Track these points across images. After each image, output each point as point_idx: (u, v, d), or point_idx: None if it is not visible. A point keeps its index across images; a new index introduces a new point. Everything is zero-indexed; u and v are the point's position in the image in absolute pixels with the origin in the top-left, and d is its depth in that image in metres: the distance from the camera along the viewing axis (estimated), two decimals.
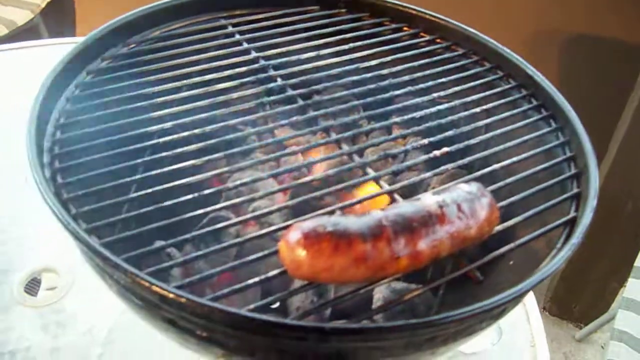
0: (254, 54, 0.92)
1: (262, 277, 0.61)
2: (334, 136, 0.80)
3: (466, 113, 0.86)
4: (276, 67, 0.90)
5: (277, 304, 0.84)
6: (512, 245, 0.69)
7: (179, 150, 0.74)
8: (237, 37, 0.96)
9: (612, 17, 1.92)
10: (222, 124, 0.79)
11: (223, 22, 0.99)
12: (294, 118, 0.82)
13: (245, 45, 0.94)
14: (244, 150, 0.78)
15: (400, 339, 0.59)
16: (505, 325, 0.98)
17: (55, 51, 0.85)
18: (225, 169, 0.74)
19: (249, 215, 0.69)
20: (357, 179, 0.74)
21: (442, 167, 0.77)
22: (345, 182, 0.74)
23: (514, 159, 0.79)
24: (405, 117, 0.84)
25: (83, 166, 0.72)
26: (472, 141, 0.81)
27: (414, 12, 1.03)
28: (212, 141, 0.76)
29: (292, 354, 0.61)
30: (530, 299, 1.03)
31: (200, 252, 0.63)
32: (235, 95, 0.85)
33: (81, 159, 0.72)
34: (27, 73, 0.82)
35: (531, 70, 0.92)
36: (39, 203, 0.64)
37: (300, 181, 0.73)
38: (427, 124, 0.83)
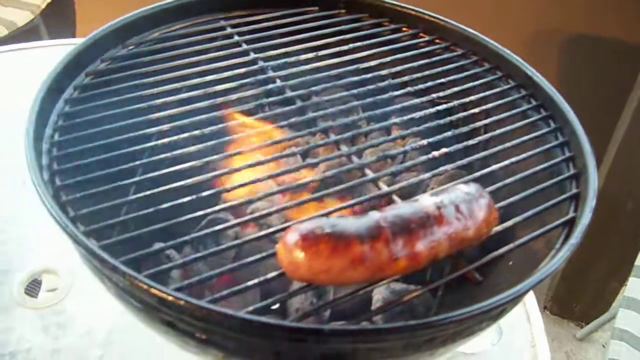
0: (253, 55, 0.92)
1: (261, 279, 0.61)
2: (332, 137, 0.80)
3: (465, 113, 0.86)
4: (275, 69, 0.90)
5: (277, 306, 0.85)
6: (511, 245, 0.69)
7: (178, 152, 0.74)
8: (236, 38, 0.96)
9: (612, 17, 1.92)
10: (221, 125, 0.79)
11: (222, 23, 0.99)
12: (293, 119, 0.82)
13: (245, 46, 0.94)
14: (242, 151, 0.78)
15: (399, 340, 0.59)
16: (506, 326, 0.98)
17: (55, 52, 0.85)
18: (224, 170, 0.74)
19: (247, 217, 0.69)
20: (356, 180, 0.74)
21: (441, 168, 0.77)
22: (344, 183, 0.74)
23: (513, 159, 0.79)
24: (405, 117, 0.84)
25: (82, 168, 0.72)
26: (471, 142, 0.81)
27: (413, 12, 1.03)
28: (211, 142, 0.76)
29: (292, 356, 0.61)
30: (530, 299, 1.03)
31: (198, 254, 0.63)
32: (234, 96, 0.85)
33: (80, 161, 0.72)
34: (27, 74, 0.82)
35: (530, 70, 0.92)
36: (39, 204, 0.64)
37: (298, 182, 0.73)
38: (426, 125, 0.83)
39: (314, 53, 0.93)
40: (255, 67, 0.90)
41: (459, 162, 0.78)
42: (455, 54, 0.97)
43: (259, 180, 0.72)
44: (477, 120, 0.85)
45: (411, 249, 0.58)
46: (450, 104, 0.87)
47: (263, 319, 0.54)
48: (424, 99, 0.87)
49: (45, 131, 0.76)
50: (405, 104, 0.86)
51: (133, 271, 0.58)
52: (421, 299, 0.80)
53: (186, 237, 0.65)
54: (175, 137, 0.76)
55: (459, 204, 0.62)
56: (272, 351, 0.60)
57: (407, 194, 0.72)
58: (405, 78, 0.90)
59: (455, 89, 0.90)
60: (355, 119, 0.85)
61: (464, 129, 0.83)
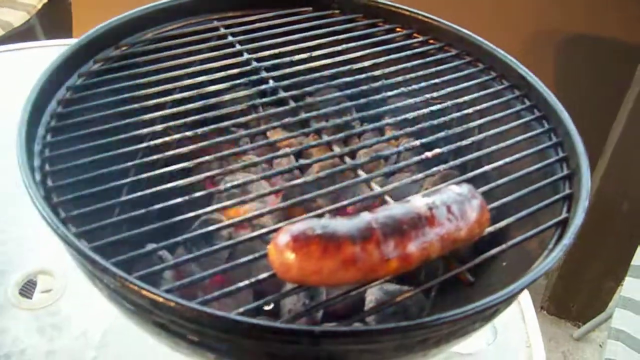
0: (246, 56, 0.92)
1: (252, 279, 0.61)
2: (325, 138, 0.80)
3: (459, 114, 0.86)
4: (268, 69, 0.90)
5: (270, 307, 0.84)
6: (503, 246, 0.69)
7: (171, 152, 0.74)
8: (230, 39, 0.96)
9: (612, 17, 1.92)
10: (214, 126, 0.79)
11: (216, 24, 0.99)
12: (286, 120, 0.82)
13: (238, 47, 0.94)
14: (236, 152, 0.78)
15: (391, 342, 0.59)
16: (501, 325, 0.98)
17: (50, 52, 0.85)
18: (217, 171, 0.74)
19: (240, 218, 0.68)
20: (349, 181, 0.74)
21: (434, 169, 0.77)
22: (337, 184, 0.74)
23: (507, 159, 0.79)
24: (398, 118, 0.84)
25: (74, 169, 0.71)
26: (465, 142, 0.81)
27: (407, 13, 1.03)
28: (204, 143, 0.76)
29: (283, 357, 0.61)
30: (525, 299, 1.03)
31: (190, 255, 0.63)
32: (227, 97, 0.84)
33: (72, 162, 0.72)
34: (23, 74, 0.82)
35: (524, 70, 0.92)
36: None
37: (291, 183, 0.73)
38: (419, 125, 0.83)
39: (308, 53, 0.93)
40: (248, 67, 0.90)
41: (452, 163, 0.78)
42: (449, 54, 0.97)
43: (252, 181, 0.72)
44: (471, 120, 0.85)
45: (402, 250, 0.58)
46: (444, 105, 0.87)
47: (253, 320, 0.54)
48: (418, 99, 0.87)
49: (37, 132, 0.76)
50: (398, 104, 0.86)
51: (124, 273, 0.57)
52: (414, 300, 0.80)
53: (178, 238, 0.65)
54: (168, 138, 0.76)
55: (451, 205, 0.62)
56: (264, 353, 0.60)
57: (400, 194, 0.72)
58: (399, 78, 0.90)
59: (449, 89, 0.89)
60: (348, 120, 0.85)
61: (458, 130, 0.83)
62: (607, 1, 1.92)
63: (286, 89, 0.87)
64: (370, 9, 1.04)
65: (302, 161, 0.78)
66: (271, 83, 0.88)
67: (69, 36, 2.57)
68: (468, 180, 0.72)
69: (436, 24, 1.01)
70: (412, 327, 0.57)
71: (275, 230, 0.65)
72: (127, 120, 0.78)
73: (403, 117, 0.84)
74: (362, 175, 0.75)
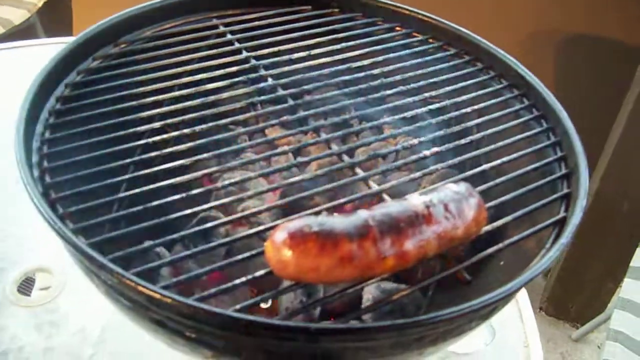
0: (245, 54, 0.92)
1: (249, 277, 0.60)
2: (324, 136, 0.80)
3: (457, 113, 0.86)
4: (267, 67, 0.90)
5: (268, 305, 0.85)
6: (500, 245, 0.69)
7: (169, 150, 0.74)
8: (229, 37, 0.96)
9: (612, 17, 1.92)
10: (212, 123, 0.79)
11: (215, 22, 0.99)
12: (285, 118, 0.82)
13: (237, 45, 0.94)
14: (234, 149, 0.78)
15: (387, 339, 0.59)
16: (499, 326, 0.98)
17: (50, 50, 0.85)
18: (215, 168, 0.74)
19: (237, 215, 0.68)
20: (347, 179, 0.74)
21: (432, 167, 0.77)
22: (335, 182, 0.74)
23: (505, 158, 0.79)
24: (396, 117, 0.84)
25: (72, 166, 0.71)
26: (463, 141, 0.81)
27: (406, 12, 1.03)
28: (203, 141, 0.76)
29: (280, 355, 0.61)
30: (523, 299, 1.03)
31: (187, 252, 0.63)
32: (225, 95, 0.85)
33: (70, 158, 0.72)
34: (23, 72, 0.82)
35: (523, 70, 0.92)
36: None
37: (289, 181, 0.73)
38: (417, 124, 0.83)
39: (307, 52, 0.93)
40: (247, 65, 0.90)
41: (451, 162, 0.78)
42: (448, 53, 0.97)
43: (250, 178, 0.72)
44: (469, 119, 0.85)
45: (399, 248, 0.58)
46: (443, 103, 0.87)
47: (250, 317, 0.54)
48: (416, 98, 0.87)
49: (36, 129, 0.76)
50: (397, 103, 0.86)
51: (121, 269, 0.57)
52: (412, 298, 0.80)
53: (175, 235, 0.65)
54: (166, 135, 0.76)
55: (448, 203, 0.62)
56: (260, 350, 0.60)
57: (398, 193, 0.72)
58: (398, 77, 0.90)
59: (448, 88, 0.90)
60: (347, 118, 0.85)
61: (456, 129, 0.83)
62: (607, 1, 1.92)
63: (285, 87, 0.87)
64: (370, 8, 1.05)
65: (300, 159, 0.78)
66: (270, 81, 0.88)
67: (70, 34, 2.57)
68: (466, 179, 0.72)
69: (435, 23, 1.01)
70: (408, 325, 0.57)
71: (272, 228, 0.64)
72: (126, 118, 0.78)
73: (401, 115, 0.84)
74: (360, 173, 0.75)
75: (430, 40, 1.00)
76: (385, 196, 0.72)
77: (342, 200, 0.71)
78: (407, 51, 0.97)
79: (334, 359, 0.61)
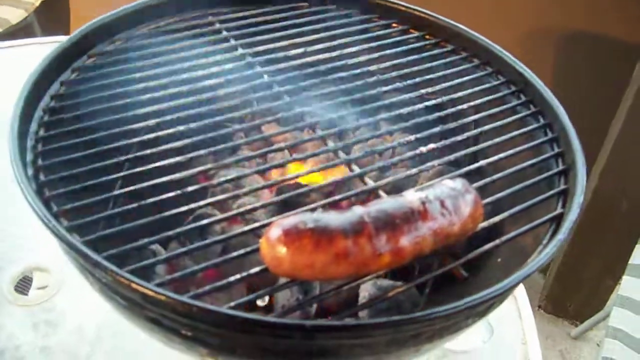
0: (241, 51, 0.92)
1: (244, 274, 0.60)
2: (320, 133, 0.79)
3: (454, 109, 0.85)
4: (263, 64, 0.90)
5: (265, 303, 0.84)
6: (497, 241, 0.68)
7: (165, 147, 0.74)
8: (225, 33, 0.95)
9: (612, 15, 1.92)
10: (208, 120, 0.79)
11: (210, 19, 0.98)
12: (281, 114, 0.82)
13: (233, 42, 0.94)
14: (230, 146, 0.77)
15: (383, 336, 0.59)
16: (497, 323, 0.98)
17: (47, 49, 0.85)
18: (211, 165, 0.74)
19: (232, 212, 0.68)
20: (343, 176, 0.74)
21: (429, 164, 0.77)
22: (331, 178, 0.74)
23: (502, 155, 0.78)
24: (393, 113, 0.84)
25: (67, 164, 0.71)
26: (460, 137, 0.80)
27: (403, 8, 1.02)
28: (198, 137, 0.76)
29: (275, 352, 0.60)
30: (521, 296, 1.03)
31: (183, 249, 0.63)
32: (221, 91, 0.84)
33: (65, 156, 0.72)
34: (19, 71, 0.82)
35: (520, 66, 0.92)
36: None
37: (285, 177, 0.73)
38: (414, 121, 0.83)
39: (303, 48, 0.93)
40: (243, 62, 0.90)
41: (447, 158, 0.78)
42: (445, 50, 0.97)
43: (245, 175, 0.72)
44: (467, 116, 0.85)
45: (395, 244, 0.57)
46: (440, 100, 0.86)
47: (245, 314, 0.54)
48: (413, 94, 0.87)
49: (30, 127, 0.75)
50: (393, 99, 0.86)
51: (115, 267, 0.57)
52: (408, 295, 0.79)
53: (170, 232, 0.64)
54: (161, 133, 0.76)
55: (444, 200, 0.61)
56: (256, 347, 0.60)
57: (394, 189, 0.72)
58: (394, 74, 0.90)
59: (445, 84, 0.89)
60: (343, 115, 0.84)
61: (453, 125, 0.83)
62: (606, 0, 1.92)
63: (281, 83, 0.87)
64: (366, 5, 1.04)
65: (297, 156, 0.78)
66: (266, 78, 0.87)
67: (67, 34, 2.57)
68: (463, 176, 0.72)
69: (432, 19, 1.00)
70: (404, 322, 0.57)
71: (268, 225, 0.64)
72: (121, 115, 0.78)
73: (398, 112, 0.84)
74: (357, 170, 0.75)
75: (427, 37, 1.00)
76: (381, 193, 0.72)
77: (337, 197, 0.71)
78: (404, 48, 0.96)
79: (329, 356, 0.61)
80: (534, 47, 2.02)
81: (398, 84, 0.88)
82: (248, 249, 0.63)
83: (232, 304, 0.56)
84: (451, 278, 0.67)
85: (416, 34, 1.00)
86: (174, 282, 0.60)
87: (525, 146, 0.81)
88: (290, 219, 0.56)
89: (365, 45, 0.96)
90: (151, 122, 0.77)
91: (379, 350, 0.60)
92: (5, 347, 0.88)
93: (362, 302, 0.78)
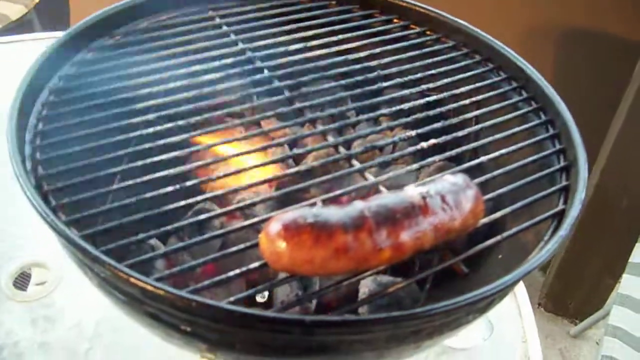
0: (241, 45, 0.91)
1: (243, 269, 0.60)
2: (320, 128, 0.79)
3: (455, 105, 0.85)
4: (263, 59, 0.89)
5: (264, 299, 0.84)
6: (498, 237, 0.68)
7: (164, 141, 0.74)
8: (225, 28, 0.95)
9: (612, 13, 1.91)
10: (207, 115, 0.78)
11: (211, 13, 0.98)
12: (281, 109, 0.82)
13: (233, 37, 0.93)
14: (229, 141, 0.77)
15: (383, 332, 0.58)
16: (497, 321, 0.97)
17: (46, 45, 0.84)
18: (210, 160, 0.73)
19: (231, 207, 0.68)
20: (343, 171, 0.73)
21: (430, 159, 0.76)
22: (331, 173, 0.73)
23: (503, 151, 0.78)
24: (393, 109, 0.83)
25: (65, 158, 0.71)
26: (461, 133, 0.80)
27: (404, 4, 1.02)
28: (198, 132, 0.75)
29: (274, 348, 0.60)
30: (521, 294, 1.03)
31: (181, 244, 0.63)
32: (221, 86, 0.84)
33: (64, 150, 0.71)
34: (18, 67, 0.81)
35: (522, 62, 0.91)
36: None
37: (285, 172, 0.72)
38: (415, 116, 0.82)
39: (303, 44, 0.92)
40: (243, 57, 0.89)
41: (448, 154, 0.77)
42: (446, 45, 0.97)
43: (244, 169, 0.71)
44: (467, 112, 0.85)
45: (395, 239, 0.57)
46: (440, 96, 0.86)
47: (244, 309, 0.53)
48: (414, 90, 0.87)
49: (29, 121, 0.75)
50: (394, 95, 0.85)
51: (114, 261, 0.57)
52: (408, 292, 0.79)
53: (168, 227, 0.64)
54: (160, 127, 0.75)
55: (445, 195, 0.61)
56: (255, 343, 0.60)
57: (395, 185, 0.72)
58: (395, 69, 0.89)
59: (446, 80, 0.89)
60: (343, 110, 0.84)
61: (454, 121, 0.82)
62: None
63: (281, 78, 0.86)
64: (367, 0, 1.04)
65: (296, 150, 0.78)
66: (266, 73, 0.87)
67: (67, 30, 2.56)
68: (464, 172, 0.71)
69: (433, 15, 1.00)
70: (404, 317, 0.56)
71: (267, 220, 0.64)
72: (120, 109, 0.78)
73: (398, 107, 0.83)
74: (357, 165, 0.74)
75: (428, 33, 0.99)
76: (381, 188, 0.71)
77: (338, 192, 0.70)
78: (405, 43, 0.96)
79: (329, 352, 0.60)
80: (534, 44, 2.02)
81: (399, 80, 0.88)
82: (247, 244, 0.62)
83: (232, 298, 0.56)
84: (452, 274, 0.66)
85: (417, 29, 1.00)
86: (173, 277, 0.60)
87: (527, 142, 0.81)
88: (290, 214, 0.56)
89: (366, 41, 0.95)
90: (150, 116, 0.77)
91: (379, 346, 0.60)
92: (4, 343, 0.88)
93: (362, 298, 0.77)
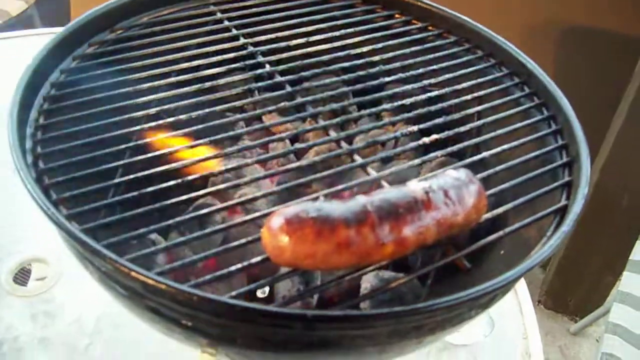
0: (242, 40, 0.91)
1: (245, 263, 0.60)
2: (322, 123, 0.79)
3: (457, 100, 0.85)
4: (265, 53, 0.89)
5: (265, 294, 0.84)
6: (501, 233, 0.68)
7: (164, 135, 0.73)
8: (226, 23, 0.94)
9: (612, 9, 1.91)
10: (209, 109, 0.78)
11: (212, 8, 0.98)
12: (282, 104, 0.81)
13: (234, 31, 0.93)
14: (231, 136, 0.77)
15: (385, 327, 0.58)
16: (498, 317, 0.97)
17: (47, 40, 0.84)
18: (211, 154, 0.73)
19: (232, 202, 0.67)
20: (345, 166, 0.73)
21: (432, 155, 0.76)
22: (333, 168, 0.73)
23: (505, 146, 0.78)
24: (395, 104, 0.83)
25: (67, 152, 0.70)
26: (463, 128, 0.80)
27: None
28: (199, 127, 0.75)
29: (276, 343, 0.60)
30: (523, 291, 1.03)
31: (182, 238, 0.62)
32: (222, 81, 0.83)
33: (65, 144, 0.71)
34: (19, 62, 0.81)
35: (524, 58, 0.91)
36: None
37: (286, 167, 0.72)
38: (417, 111, 0.82)
39: (305, 38, 0.92)
40: (244, 51, 0.89)
41: (450, 149, 0.77)
42: (448, 41, 0.96)
43: (246, 164, 0.71)
44: (469, 107, 0.84)
45: (398, 234, 0.57)
46: (442, 91, 0.86)
47: (245, 303, 0.53)
48: (416, 85, 0.86)
49: (30, 115, 0.75)
50: (396, 90, 0.85)
51: (115, 255, 0.56)
52: (410, 287, 0.79)
53: (170, 221, 0.64)
54: (162, 121, 0.75)
55: (448, 190, 0.61)
56: (256, 338, 0.59)
57: (397, 180, 0.71)
58: (397, 64, 0.89)
59: (448, 75, 0.88)
60: (345, 105, 0.84)
61: (456, 116, 0.82)
62: None
63: (282, 73, 0.86)
64: None
65: (298, 145, 0.77)
66: (267, 67, 0.87)
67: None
68: (466, 167, 0.71)
69: (435, 10, 0.99)
70: (406, 313, 0.56)
71: (269, 214, 0.64)
72: (122, 103, 0.77)
73: (400, 102, 0.83)
74: (359, 160, 0.74)
75: (430, 28, 0.99)
76: (384, 183, 0.71)
77: (339, 187, 0.70)
78: (407, 38, 0.95)
79: (330, 347, 0.60)
80: (534, 44, 2.01)
81: (401, 75, 0.88)
82: (249, 239, 0.62)
83: (233, 293, 0.56)
84: (454, 269, 0.66)
85: (419, 24, 0.99)
86: (174, 272, 0.60)
87: (529, 138, 0.80)
88: (292, 208, 0.56)
89: (368, 36, 0.95)
90: (152, 110, 0.77)
91: (380, 342, 0.60)
92: (4, 338, 0.88)
93: (363, 293, 0.77)
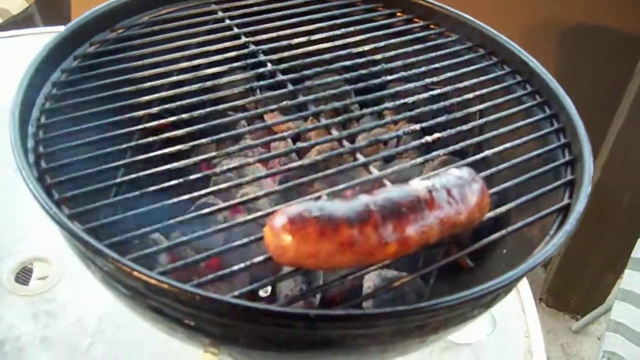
0: (244, 39, 0.91)
1: (247, 263, 0.59)
2: (324, 121, 0.78)
3: (459, 99, 0.84)
4: (267, 52, 0.89)
5: (267, 294, 0.84)
6: (504, 231, 0.68)
7: (167, 134, 0.73)
8: (227, 22, 0.94)
9: (612, 8, 1.91)
10: (210, 109, 0.78)
11: (213, 7, 0.98)
12: (284, 103, 0.81)
13: (236, 30, 0.93)
14: (232, 135, 0.77)
15: (388, 326, 0.58)
16: (500, 316, 0.97)
17: (47, 39, 0.84)
18: (214, 153, 0.73)
19: (234, 201, 0.67)
20: (347, 165, 0.73)
21: (434, 153, 0.76)
22: (335, 167, 0.73)
23: (508, 145, 0.78)
24: (397, 102, 0.83)
25: (68, 151, 0.70)
26: (465, 127, 0.80)
27: None
28: (201, 126, 0.75)
29: (278, 342, 0.60)
30: (525, 290, 1.02)
31: (184, 238, 0.62)
32: (224, 80, 0.83)
33: (67, 144, 0.71)
34: (20, 61, 0.81)
35: (526, 56, 0.91)
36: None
37: (288, 166, 0.72)
38: (419, 110, 0.82)
39: (307, 37, 0.92)
40: (246, 50, 0.89)
41: (452, 148, 0.77)
42: (449, 39, 0.96)
43: (248, 164, 0.71)
44: (472, 105, 0.84)
45: (401, 234, 0.57)
46: (444, 89, 0.85)
47: (248, 302, 0.53)
48: (418, 84, 0.86)
49: (32, 114, 0.75)
50: (398, 88, 0.85)
51: (117, 255, 0.56)
52: (413, 286, 0.79)
53: (172, 221, 0.64)
54: (164, 120, 0.75)
55: (451, 188, 0.61)
56: (259, 337, 0.59)
57: (399, 178, 0.71)
58: (399, 63, 0.89)
59: (450, 74, 0.88)
60: (347, 104, 0.84)
61: (458, 115, 0.82)
62: None
63: (284, 72, 0.86)
64: None
65: (300, 144, 0.77)
66: (269, 66, 0.87)
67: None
68: (468, 165, 0.71)
69: (437, 8, 0.99)
70: (409, 312, 0.56)
71: (271, 214, 0.63)
72: (123, 102, 0.77)
73: (402, 101, 0.83)
74: (361, 159, 0.74)
75: (432, 26, 0.99)
76: (386, 182, 0.71)
77: (342, 186, 0.70)
78: (409, 37, 0.95)
79: (333, 346, 0.60)
80: (535, 43, 1.99)
81: (403, 73, 0.87)
82: (251, 238, 0.62)
83: (236, 292, 0.56)
84: (457, 268, 0.66)
85: (421, 23, 0.99)
86: (176, 271, 0.60)
87: (531, 136, 0.80)
88: (295, 207, 0.56)
89: (370, 34, 0.95)
90: (153, 109, 0.77)
91: (383, 341, 0.60)
92: (6, 338, 0.88)
93: (366, 292, 0.77)
